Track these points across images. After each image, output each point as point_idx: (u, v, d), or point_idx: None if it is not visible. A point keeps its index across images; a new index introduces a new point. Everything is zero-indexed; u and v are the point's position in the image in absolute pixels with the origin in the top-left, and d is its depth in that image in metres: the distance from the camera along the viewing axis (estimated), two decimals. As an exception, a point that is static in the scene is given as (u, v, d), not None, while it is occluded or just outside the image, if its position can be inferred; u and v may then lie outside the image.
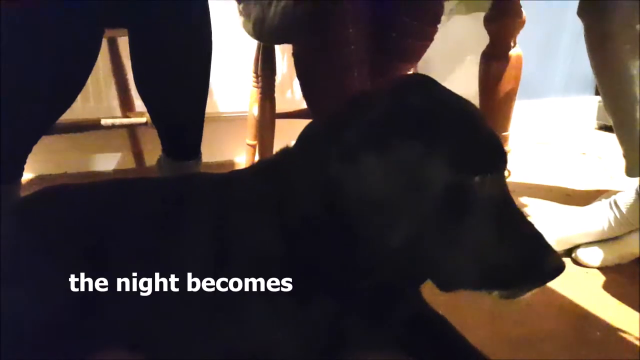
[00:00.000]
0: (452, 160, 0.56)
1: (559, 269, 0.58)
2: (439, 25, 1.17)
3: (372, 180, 0.56)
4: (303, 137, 0.71)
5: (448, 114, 0.60)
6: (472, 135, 0.60)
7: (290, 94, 1.93)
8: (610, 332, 0.85)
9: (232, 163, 1.96)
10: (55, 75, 0.94)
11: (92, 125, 1.61)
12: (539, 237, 0.60)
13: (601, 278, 1.04)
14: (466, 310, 0.87)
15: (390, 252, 0.58)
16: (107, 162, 1.89)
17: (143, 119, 1.55)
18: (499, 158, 0.61)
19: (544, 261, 0.58)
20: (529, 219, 0.61)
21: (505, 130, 1.26)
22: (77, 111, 1.69)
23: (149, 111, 1.13)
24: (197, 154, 1.17)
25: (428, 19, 1.12)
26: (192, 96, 1.09)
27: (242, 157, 1.76)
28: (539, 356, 0.79)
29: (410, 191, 0.56)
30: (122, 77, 1.62)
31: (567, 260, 1.10)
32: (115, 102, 1.72)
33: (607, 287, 1.00)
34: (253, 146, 1.64)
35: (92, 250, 0.77)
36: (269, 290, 0.68)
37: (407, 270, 0.66)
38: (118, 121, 1.58)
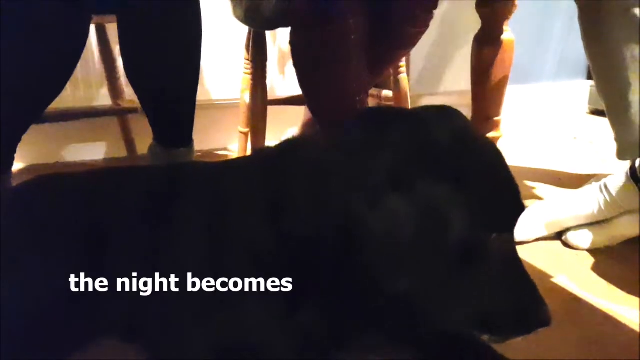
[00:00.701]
0: (474, 214, 0.55)
1: (546, 322, 0.60)
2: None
3: (394, 224, 0.54)
4: (312, 144, 0.70)
5: (475, 161, 0.58)
6: (496, 189, 0.59)
7: (282, 80, 1.93)
8: (600, 313, 0.86)
9: (225, 151, 1.95)
10: (43, 62, 0.93)
11: (83, 113, 1.60)
12: (533, 289, 0.61)
13: (591, 260, 1.05)
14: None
15: (389, 294, 0.58)
16: (99, 151, 1.88)
17: (134, 106, 1.54)
18: (517, 215, 0.60)
19: (534, 313, 0.60)
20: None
21: (497, 115, 1.27)
22: (67, 100, 1.68)
23: (139, 99, 1.12)
24: (189, 141, 1.17)
25: (425, 6, 1.12)
26: (182, 83, 1.08)
27: (236, 144, 1.75)
28: (529, 338, 0.80)
29: (431, 239, 0.55)
30: (111, 64, 1.61)
31: (557, 243, 1.12)
32: (104, 90, 1.71)
33: (596, 268, 1.01)
34: (245, 134, 1.64)
35: (85, 239, 0.77)
36: (259, 290, 0.68)
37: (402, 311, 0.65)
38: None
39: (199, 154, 1.81)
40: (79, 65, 1.04)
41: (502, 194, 0.59)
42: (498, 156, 0.62)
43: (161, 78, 1.05)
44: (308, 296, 0.66)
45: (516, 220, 0.60)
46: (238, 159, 0.86)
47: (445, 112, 0.64)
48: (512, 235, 0.61)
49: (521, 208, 0.60)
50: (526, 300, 0.60)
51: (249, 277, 0.67)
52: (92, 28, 1.61)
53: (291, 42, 1.10)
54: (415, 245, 0.54)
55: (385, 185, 0.55)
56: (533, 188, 1.47)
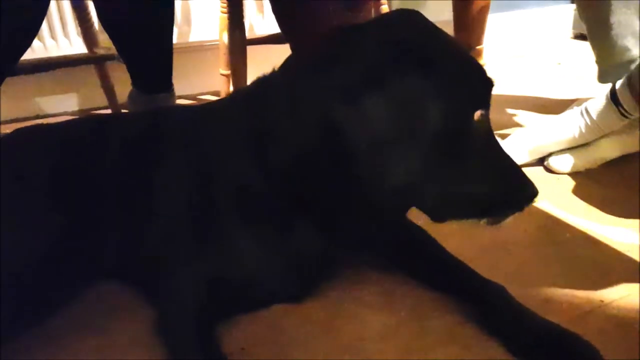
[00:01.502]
0: (451, 95, 0.58)
1: (534, 194, 0.64)
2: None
3: (376, 121, 0.57)
4: (288, 71, 0.70)
5: (441, 49, 0.62)
6: (466, 70, 0.62)
7: (262, 19, 1.87)
8: (579, 233, 0.90)
9: (212, 95, 1.92)
10: (9, 11, 0.89)
11: (58, 63, 1.56)
12: (517, 168, 0.66)
13: (572, 183, 1.07)
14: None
15: (389, 188, 0.60)
16: (79, 101, 1.84)
17: (111, 53, 1.49)
18: (487, 88, 0.63)
19: (523, 190, 0.64)
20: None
21: (480, 43, 1.26)
22: (41, 50, 1.63)
23: (114, 45, 1.09)
24: (169, 86, 1.15)
25: None
26: (157, 26, 1.05)
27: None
28: (511, 259, 0.83)
29: (413, 128, 0.57)
30: (83, 10, 1.55)
31: (539, 169, 1.14)
32: (78, 39, 1.65)
33: (576, 191, 1.04)
34: (227, 76, 1.61)
35: (70, 188, 0.78)
36: (251, 220, 0.70)
37: (401, 205, 0.69)
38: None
39: (185, 99, 1.81)
40: (51, 13, 1.00)
41: (471, 72, 0.63)
42: (457, 43, 0.65)
43: (135, 22, 1.02)
44: (302, 216, 0.69)
45: (489, 95, 0.64)
46: (216, 101, 0.85)
47: (404, 12, 0.67)
48: (488, 113, 0.64)
49: (491, 83, 0.64)
50: (514, 179, 0.64)
51: (238, 210, 0.69)
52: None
53: None
54: (403, 134, 0.57)
55: (362, 85, 0.57)
56: (516, 115, 1.47)
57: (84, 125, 0.92)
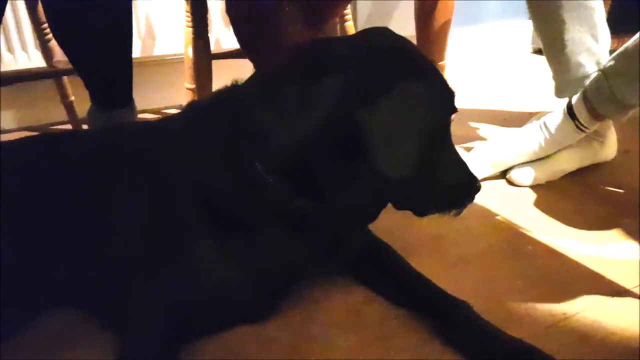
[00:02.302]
0: (440, 101, 0.67)
1: (479, 187, 0.74)
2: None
3: (393, 120, 0.61)
4: (263, 83, 0.70)
5: (420, 59, 0.68)
6: (440, 78, 0.69)
7: (228, 32, 1.86)
8: (541, 245, 0.91)
9: (178, 108, 1.89)
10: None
11: (16, 77, 1.51)
12: (465, 164, 0.74)
13: (533, 196, 1.09)
14: (406, 237, 0.91)
15: (398, 179, 0.65)
16: (38, 116, 1.79)
17: (70, 67, 1.46)
18: (453, 99, 0.71)
19: (475, 182, 0.74)
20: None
21: (442, 59, 1.28)
22: (-2, 64, 1.59)
23: (69, 60, 1.06)
24: (128, 101, 1.12)
25: None
26: (114, 39, 1.02)
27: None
28: (475, 274, 0.84)
29: (419, 127, 0.64)
30: (41, 23, 1.51)
31: (501, 182, 1.16)
32: (35, 51, 1.61)
33: (537, 203, 1.06)
34: (192, 90, 1.58)
35: (24, 209, 0.75)
36: (213, 237, 0.68)
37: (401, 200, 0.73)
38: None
39: (149, 113, 1.77)
40: (9, 27, 0.97)
41: (441, 82, 0.69)
42: (425, 57, 0.71)
43: (90, 36, 0.99)
44: (267, 231, 0.69)
45: (454, 103, 0.70)
46: (173, 115, 0.83)
47: (379, 29, 0.72)
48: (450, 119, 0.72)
49: (453, 92, 0.70)
50: (468, 173, 0.74)
51: (199, 227, 0.68)
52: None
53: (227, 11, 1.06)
54: (411, 133, 0.63)
55: (377, 88, 0.61)
56: (478, 129, 1.50)
57: (37, 143, 0.88)
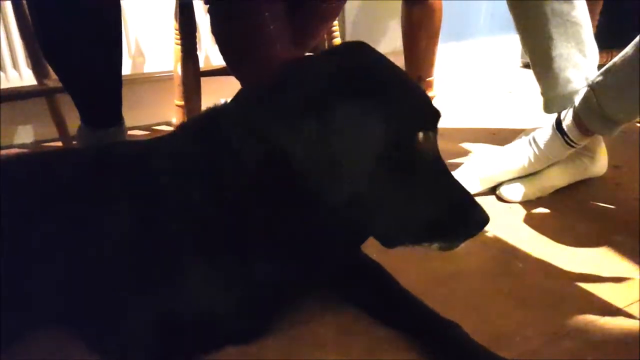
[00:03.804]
0: (392, 119, 0.60)
1: (486, 220, 0.65)
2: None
3: (315, 143, 0.57)
4: (239, 103, 0.70)
5: (384, 75, 0.64)
6: (408, 95, 0.64)
7: (217, 50, 1.86)
8: (531, 262, 0.91)
9: (168, 125, 1.89)
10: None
11: (7, 96, 1.51)
12: (466, 192, 0.66)
13: (523, 212, 1.09)
14: (394, 253, 0.90)
15: (334, 210, 0.61)
16: (29, 133, 1.78)
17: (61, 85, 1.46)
18: (432, 116, 0.65)
19: (474, 214, 0.64)
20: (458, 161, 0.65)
21: (430, 75, 1.28)
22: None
23: (58, 77, 1.06)
24: (118, 120, 1.12)
25: None
26: (103, 58, 1.02)
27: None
28: (465, 291, 0.83)
29: (353, 150, 0.58)
30: (32, 42, 1.51)
31: (491, 198, 1.16)
32: (27, 70, 1.61)
33: (527, 220, 1.06)
34: (182, 106, 1.59)
35: (10, 227, 0.74)
36: (203, 255, 0.68)
37: (352, 230, 0.69)
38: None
39: (139, 129, 1.77)
40: (1, 45, 0.96)
41: (413, 97, 0.65)
42: (402, 72, 0.68)
43: (79, 56, 0.98)
44: (256, 249, 0.68)
45: (433, 121, 0.65)
46: (164, 135, 0.83)
47: (352, 44, 0.70)
48: (434, 136, 0.65)
49: (434, 109, 0.66)
50: (464, 203, 0.65)
51: (188, 245, 0.68)
52: (8, 4, 1.51)
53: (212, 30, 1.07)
54: (342, 156, 0.58)
55: (300, 107, 0.58)
56: (466, 146, 1.50)
57: (25, 162, 0.88)
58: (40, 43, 1.00)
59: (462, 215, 0.64)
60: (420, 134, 0.62)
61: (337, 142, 0.57)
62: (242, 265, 0.68)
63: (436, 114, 0.66)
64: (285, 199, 0.64)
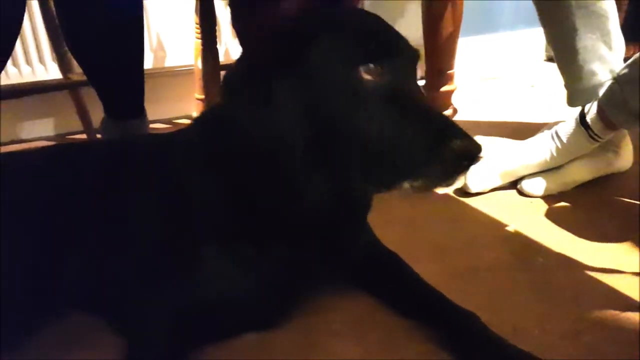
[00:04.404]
0: (340, 54, 0.60)
1: (477, 148, 0.57)
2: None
3: (255, 113, 0.61)
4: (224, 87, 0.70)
5: (335, 17, 0.65)
6: (355, 29, 0.62)
7: (238, 44, 1.88)
8: (552, 258, 0.89)
9: (188, 118, 1.91)
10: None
11: (33, 89, 1.54)
12: (451, 124, 0.59)
13: (545, 206, 1.08)
14: (413, 246, 0.91)
15: (306, 172, 0.62)
16: (54, 126, 1.82)
17: (85, 79, 1.49)
18: (375, 48, 0.60)
19: (462, 143, 0.56)
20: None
21: (451, 68, 1.27)
22: (15, 77, 1.62)
23: (84, 72, 1.08)
24: (140, 112, 1.14)
25: None
26: (126, 52, 1.04)
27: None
28: (483, 284, 0.83)
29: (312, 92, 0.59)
30: (57, 37, 1.54)
31: (512, 192, 1.14)
32: (52, 64, 1.64)
33: (549, 215, 1.04)
34: (202, 100, 1.61)
35: (37, 216, 0.77)
36: (220, 245, 0.69)
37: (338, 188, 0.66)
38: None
39: (160, 123, 1.79)
40: (27, 40, 0.99)
41: (362, 30, 0.63)
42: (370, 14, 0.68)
43: (104, 50, 1.01)
44: (271, 238, 0.69)
45: (381, 52, 0.61)
46: (181, 128, 0.85)
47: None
48: (400, 67, 0.62)
49: (387, 37, 0.63)
50: (449, 134, 0.57)
51: (206, 235, 0.69)
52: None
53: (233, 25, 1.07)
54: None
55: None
56: (488, 140, 1.47)
57: (53, 154, 0.90)
58: (66, 38, 1.02)
59: (448, 145, 0.56)
60: (361, 69, 0.59)
61: (276, 112, 0.59)
62: (257, 254, 0.69)
63: (373, 35, 0.61)
64: (273, 180, 0.65)
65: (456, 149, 0.56)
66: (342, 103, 0.59)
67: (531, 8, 1.10)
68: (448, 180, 0.59)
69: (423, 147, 0.57)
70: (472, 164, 0.58)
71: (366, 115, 0.59)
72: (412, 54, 0.65)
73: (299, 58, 0.60)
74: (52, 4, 1.48)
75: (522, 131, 1.50)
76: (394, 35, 0.64)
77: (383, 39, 0.62)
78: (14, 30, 0.93)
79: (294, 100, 0.60)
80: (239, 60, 0.69)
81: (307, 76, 0.60)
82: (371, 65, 0.59)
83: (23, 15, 0.93)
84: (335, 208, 0.69)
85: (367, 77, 0.59)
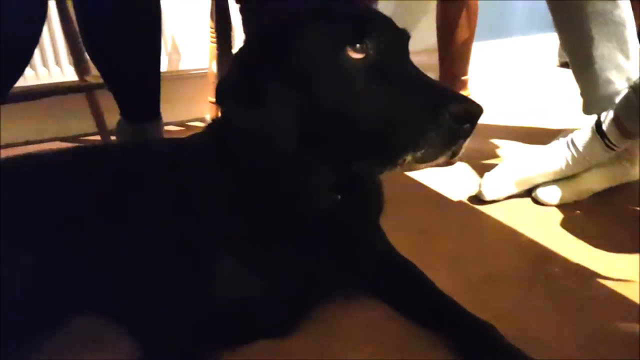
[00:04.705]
0: (324, 38, 0.60)
1: (478, 110, 0.56)
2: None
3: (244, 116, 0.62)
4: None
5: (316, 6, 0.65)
6: (336, 14, 0.63)
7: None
8: (568, 267, 0.89)
9: (201, 122, 1.93)
10: (3, 41, 0.89)
11: (49, 91, 1.56)
12: (448, 91, 0.59)
13: (560, 215, 1.07)
14: (428, 255, 0.90)
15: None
16: (68, 127, 1.84)
17: (101, 82, 1.50)
18: (370, 24, 0.61)
19: (460, 105, 0.55)
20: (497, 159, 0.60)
21: (464, 74, 1.27)
22: (31, 78, 1.64)
23: (100, 74, 1.09)
24: (156, 115, 1.15)
25: None
26: (144, 57, 1.05)
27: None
28: (500, 294, 0.82)
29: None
30: (74, 40, 1.55)
31: (527, 200, 1.14)
32: (70, 67, 1.66)
33: (564, 224, 1.04)
34: (215, 103, 1.62)
35: (53, 219, 0.77)
36: (234, 249, 0.69)
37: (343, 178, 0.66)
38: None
39: (173, 125, 1.81)
40: (43, 42, 1.01)
41: (340, 12, 0.63)
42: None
43: (122, 54, 1.02)
44: (285, 241, 0.69)
45: (363, 31, 0.61)
46: (194, 135, 0.85)
47: None
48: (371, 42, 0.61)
49: (361, 17, 0.63)
50: (446, 98, 0.56)
51: (220, 239, 0.69)
52: (52, 3, 1.55)
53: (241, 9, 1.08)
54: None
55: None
56: (501, 145, 1.48)
57: (68, 157, 0.91)
58: (85, 43, 1.03)
59: (446, 110, 0.55)
60: (348, 49, 0.59)
61: (267, 110, 0.60)
62: (272, 257, 0.69)
63: (363, 24, 0.61)
64: (274, 179, 0.66)
65: (455, 112, 0.55)
66: (333, 85, 0.60)
67: (544, 13, 1.10)
68: (451, 145, 0.57)
69: (420, 115, 0.56)
70: (473, 126, 0.57)
71: (359, 93, 0.59)
72: (399, 33, 0.65)
73: (284, 51, 0.61)
74: (70, 6, 1.50)
75: (534, 136, 1.50)
76: (377, 15, 0.65)
77: (365, 19, 0.62)
78: (34, 39, 0.94)
79: (285, 95, 0.60)
80: (230, 61, 0.71)
81: (296, 67, 0.60)
82: (357, 45, 0.59)
83: (43, 22, 0.94)
84: (342, 203, 0.69)
85: (355, 55, 0.59)
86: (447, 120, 0.55)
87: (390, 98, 0.58)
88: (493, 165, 1.16)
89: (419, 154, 0.57)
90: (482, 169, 1.19)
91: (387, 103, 0.58)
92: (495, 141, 1.50)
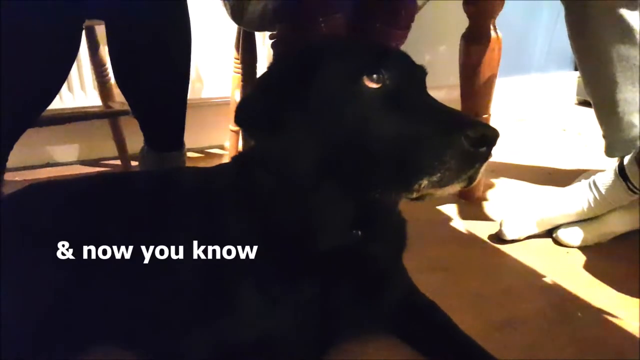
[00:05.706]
0: (343, 70, 0.62)
1: (495, 134, 0.56)
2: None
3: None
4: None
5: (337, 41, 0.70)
6: (355, 48, 0.66)
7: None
8: (591, 312, 0.87)
9: (220, 149, 1.95)
10: (37, 70, 0.92)
11: (74, 116, 1.59)
12: (464, 116, 0.60)
13: (582, 258, 1.06)
14: (450, 295, 0.90)
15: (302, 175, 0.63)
16: (90, 151, 1.87)
17: (125, 109, 1.53)
18: (373, 59, 0.63)
19: (472, 133, 0.55)
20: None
21: (486, 112, 1.27)
22: (58, 102, 1.67)
23: (129, 103, 1.11)
24: (180, 145, 1.17)
25: (401, 23, 1.06)
26: (172, 88, 1.07)
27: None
28: (521, 337, 0.81)
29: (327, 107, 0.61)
30: (100, 66, 1.59)
31: (548, 241, 1.13)
32: (94, 92, 1.69)
33: (587, 266, 1.03)
34: (236, 132, 1.64)
35: (76, 246, 0.77)
36: (257, 280, 0.69)
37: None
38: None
39: (193, 152, 1.83)
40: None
41: (354, 46, 0.68)
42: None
43: (150, 84, 1.04)
44: (306, 278, 0.69)
45: (380, 61, 0.63)
46: (219, 165, 0.86)
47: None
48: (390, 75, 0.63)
49: (379, 50, 0.66)
50: (463, 124, 0.56)
51: (244, 272, 0.69)
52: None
53: (272, 45, 1.10)
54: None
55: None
56: (521, 185, 1.47)
57: (93, 184, 0.92)
58: (116, 73, 1.05)
59: (462, 134, 0.55)
60: (365, 79, 0.61)
61: (288, 140, 0.62)
62: (293, 292, 0.69)
63: (380, 56, 0.63)
64: (295, 209, 0.66)
65: (471, 135, 0.54)
66: (350, 111, 0.61)
67: (563, 50, 1.12)
68: (468, 169, 0.56)
69: (436, 138, 0.56)
70: (490, 149, 0.56)
71: (375, 118, 0.60)
72: (416, 67, 0.67)
73: (307, 80, 0.62)
74: (98, 35, 1.55)
75: (554, 176, 1.49)
76: (394, 49, 0.68)
77: (381, 52, 0.65)
78: (69, 64, 0.97)
79: (306, 122, 0.61)
80: (254, 84, 0.72)
81: (317, 95, 0.62)
82: (374, 75, 0.61)
83: (75, 56, 0.97)
84: (364, 240, 0.69)
85: (371, 85, 0.61)
86: (464, 143, 0.54)
87: (406, 122, 0.58)
88: (514, 205, 1.16)
89: (435, 178, 0.56)
90: (503, 208, 1.19)
91: (403, 127, 0.58)
92: (516, 181, 1.50)
